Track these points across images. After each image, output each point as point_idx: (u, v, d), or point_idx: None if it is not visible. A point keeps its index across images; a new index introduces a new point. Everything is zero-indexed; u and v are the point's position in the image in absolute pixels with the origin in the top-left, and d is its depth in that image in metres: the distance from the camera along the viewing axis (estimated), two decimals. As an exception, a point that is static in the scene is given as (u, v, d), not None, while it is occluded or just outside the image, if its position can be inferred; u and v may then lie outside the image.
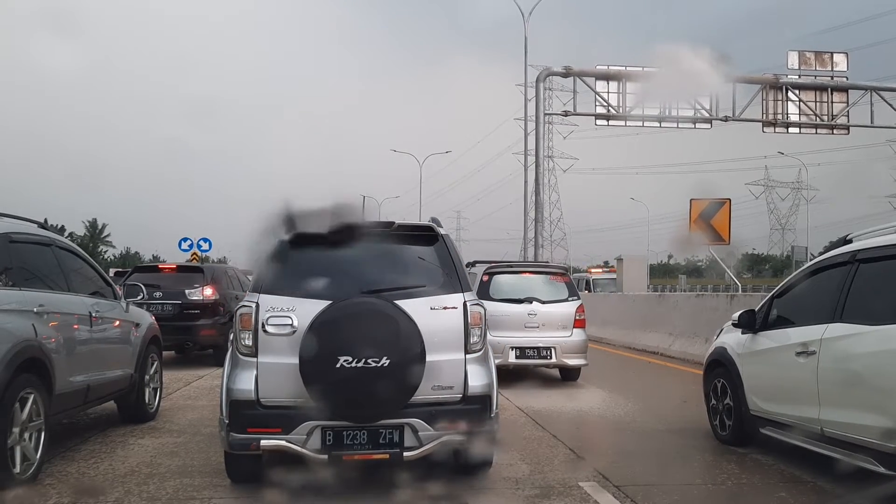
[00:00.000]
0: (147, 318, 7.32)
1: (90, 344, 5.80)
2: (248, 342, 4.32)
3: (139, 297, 7.16)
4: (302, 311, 4.26)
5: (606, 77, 23.01)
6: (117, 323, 6.48)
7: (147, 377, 7.01)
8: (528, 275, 10.18)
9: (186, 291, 11.35)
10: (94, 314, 5.91)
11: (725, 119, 23.68)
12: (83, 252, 6.58)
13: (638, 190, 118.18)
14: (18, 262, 5.12)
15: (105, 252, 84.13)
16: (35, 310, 4.94)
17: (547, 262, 18.81)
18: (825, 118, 23.78)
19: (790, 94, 23.68)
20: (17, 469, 4.46)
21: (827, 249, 5.52)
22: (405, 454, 4.22)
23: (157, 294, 10.93)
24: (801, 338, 5.00)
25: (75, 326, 5.59)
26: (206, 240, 28.82)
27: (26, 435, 4.58)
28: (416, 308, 4.31)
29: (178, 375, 9.98)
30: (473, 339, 4.48)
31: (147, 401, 7.00)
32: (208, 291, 11.54)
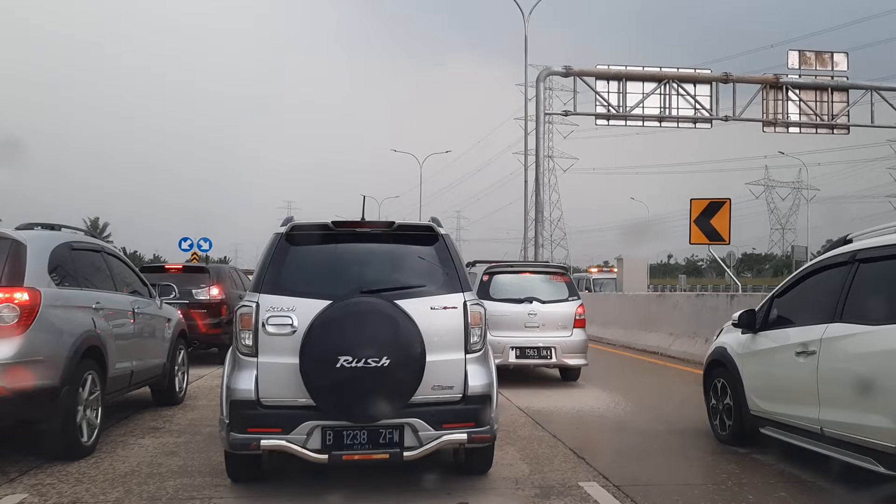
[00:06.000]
0: (176, 315, 8.24)
1: (133, 336, 6.67)
2: (249, 342, 4.31)
3: (171, 296, 8.10)
4: (302, 311, 4.26)
5: (606, 77, 22.99)
6: (153, 318, 7.36)
7: (176, 366, 7.93)
8: (528, 275, 10.17)
9: (193, 291, 11.38)
10: (135, 310, 6.77)
11: (725, 119, 23.65)
12: (124, 256, 7.52)
13: (638, 190, 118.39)
14: (79, 266, 5.99)
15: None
16: (93, 306, 5.83)
17: (547, 261, 18.83)
18: (825, 118, 23.75)
19: (790, 93, 23.65)
20: (84, 438, 5.39)
21: (827, 249, 5.51)
22: (405, 454, 4.21)
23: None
24: (801, 338, 5.00)
25: (122, 321, 6.46)
26: (206, 239, 28.86)
27: (88, 410, 5.47)
28: (416, 308, 4.31)
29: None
30: (473, 338, 4.48)
31: (177, 387, 7.93)
32: (214, 291, 11.63)
